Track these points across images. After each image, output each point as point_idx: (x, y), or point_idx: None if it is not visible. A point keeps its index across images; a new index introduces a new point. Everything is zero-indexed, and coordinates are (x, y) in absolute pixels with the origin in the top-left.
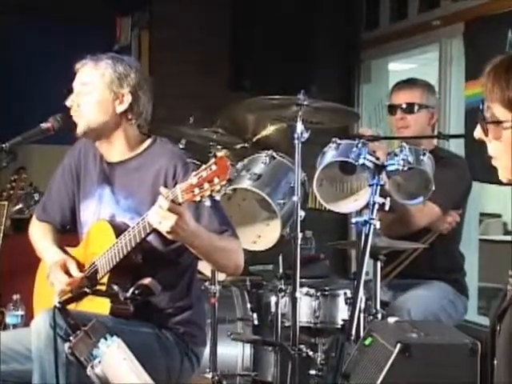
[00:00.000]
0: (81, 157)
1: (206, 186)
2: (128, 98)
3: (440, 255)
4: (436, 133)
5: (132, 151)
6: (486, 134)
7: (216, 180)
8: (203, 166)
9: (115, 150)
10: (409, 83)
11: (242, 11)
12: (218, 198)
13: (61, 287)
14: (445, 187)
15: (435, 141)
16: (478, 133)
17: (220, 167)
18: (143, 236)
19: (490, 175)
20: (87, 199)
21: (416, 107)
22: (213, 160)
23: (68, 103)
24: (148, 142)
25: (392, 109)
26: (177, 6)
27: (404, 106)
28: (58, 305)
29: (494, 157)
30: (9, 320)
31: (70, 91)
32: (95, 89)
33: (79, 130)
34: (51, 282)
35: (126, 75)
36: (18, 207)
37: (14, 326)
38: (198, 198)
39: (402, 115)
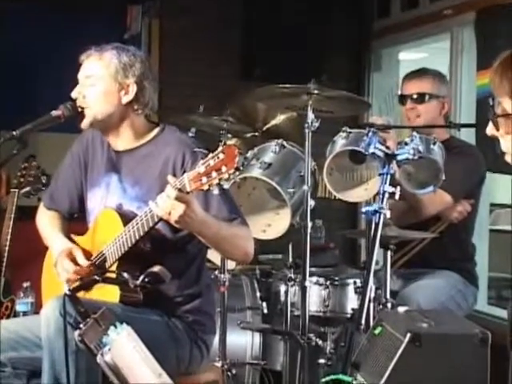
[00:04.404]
0: (89, 145)
1: (214, 174)
2: (133, 89)
3: (450, 245)
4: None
5: (140, 140)
6: (498, 129)
7: (224, 168)
8: (210, 155)
9: (122, 139)
10: (419, 73)
11: (255, 1)
12: (226, 186)
13: (67, 276)
14: (457, 176)
15: (450, 130)
16: (489, 129)
17: (227, 156)
18: (151, 225)
19: (501, 165)
20: (94, 187)
21: (426, 97)
22: (220, 148)
23: (74, 95)
24: (156, 130)
25: (403, 99)
26: None
27: (414, 96)
28: (68, 292)
29: (508, 152)
30: (19, 307)
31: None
32: (100, 80)
33: (85, 121)
34: (57, 271)
35: (130, 65)
36: (25, 190)
37: (24, 314)
38: (206, 187)
39: (412, 105)
